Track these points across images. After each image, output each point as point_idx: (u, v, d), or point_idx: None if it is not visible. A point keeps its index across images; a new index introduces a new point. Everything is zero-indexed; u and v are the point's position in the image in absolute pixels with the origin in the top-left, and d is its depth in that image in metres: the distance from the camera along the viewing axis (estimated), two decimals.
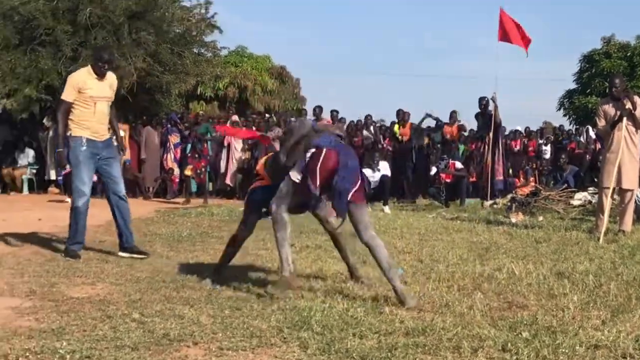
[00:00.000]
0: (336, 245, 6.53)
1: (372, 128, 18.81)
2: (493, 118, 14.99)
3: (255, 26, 75.73)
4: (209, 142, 17.24)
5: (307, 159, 5.67)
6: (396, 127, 17.94)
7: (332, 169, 5.55)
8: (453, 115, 18.21)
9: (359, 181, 5.67)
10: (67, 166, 15.49)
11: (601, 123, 10.20)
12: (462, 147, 19.17)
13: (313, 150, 5.68)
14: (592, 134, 20.83)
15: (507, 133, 20.05)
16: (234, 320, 4.83)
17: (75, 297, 5.57)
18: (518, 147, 20.21)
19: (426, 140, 18.34)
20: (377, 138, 18.54)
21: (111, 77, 8.03)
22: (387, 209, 13.94)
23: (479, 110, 15.74)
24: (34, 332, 4.48)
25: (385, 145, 18.21)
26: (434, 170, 15.84)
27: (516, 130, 21.19)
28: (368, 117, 19.24)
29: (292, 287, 5.57)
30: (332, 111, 18.33)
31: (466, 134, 19.70)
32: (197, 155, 16.00)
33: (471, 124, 18.34)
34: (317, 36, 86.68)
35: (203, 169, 16.15)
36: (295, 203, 5.85)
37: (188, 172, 16.24)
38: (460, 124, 18.47)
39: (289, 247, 5.76)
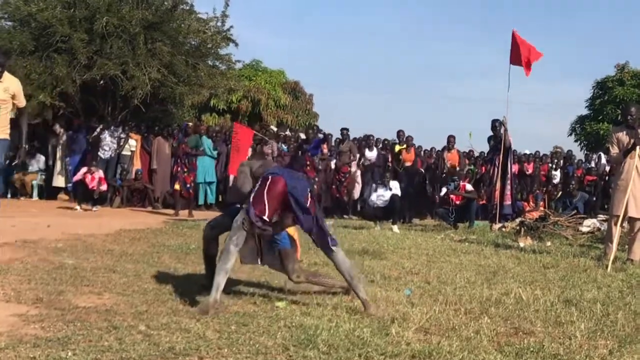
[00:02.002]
0: None
1: (375, 149, 18.78)
2: (503, 141, 14.96)
3: (271, 40, 75.94)
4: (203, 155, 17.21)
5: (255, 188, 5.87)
6: (397, 147, 17.92)
7: (281, 193, 5.73)
8: (451, 140, 18.26)
9: (310, 202, 5.81)
10: (79, 173, 15.62)
11: (614, 150, 10.18)
12: (472, 169, 19.15)
13: (260, 179, 5.89)
14: (604, 160, 20.78)
15: (519, 155, 20.05)
16: (240, 336, 4.82)
17: (82, 306, 5.56)
18: (531, 171, 20.15)
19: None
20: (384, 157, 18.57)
21: (9, 81, 8.21)
22: (395, 228, 13.92)
23: (492, 134, 15.72)
24: (40, 341, 4.47)
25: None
26: (443, 191, 15.82)
27: (529, 154, 21.18)
28: (371, 137, 19.15)
29: (208, 313, 5.52)
30: (342, 129, 18.37)
31: (477, 154, 19.72)
32: (186, 170, 15.78)
33: (484, 147, 18.32)
34: (331, 53, 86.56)
35: (192, 183, 15.96)
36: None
37: (177, 186, 16.01)
38: (461, 151, 18.48)
39: (225, 278, 5.76)
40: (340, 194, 17.64)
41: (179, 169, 15.87)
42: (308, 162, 15.69)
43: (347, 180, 17.66)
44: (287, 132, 21.36)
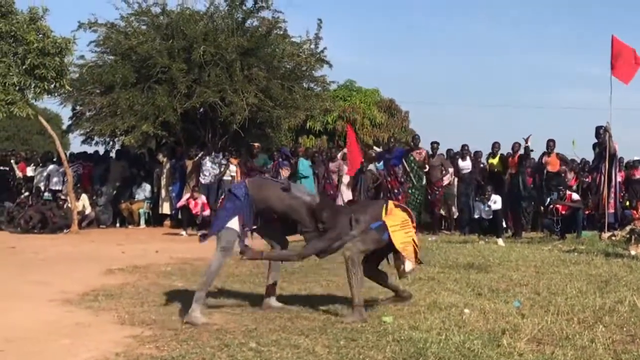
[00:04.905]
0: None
1: (468, 159, 18.38)
2: (607, 148, 14.54)
3: (364, 60, 76.05)
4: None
5: None
6: (491, 160, 17.54)
7: None
8: (550, 144, 17.69)
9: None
10: (183, 199, 15.99)
11: None
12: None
13: None
14: None
15: (627, 162, 19.41)
16: (350, 351, 4.82)
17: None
18: (638, 176, 19.42)
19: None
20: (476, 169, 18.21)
21: None
22: (500, 241, 13.68)
23: (597, 141, 15.29)
24: None
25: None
26: (547, 201, 15.45)
27: (638, 159, 20.44)
28: (465, 147, 18.68)
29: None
30: (432, 143, 18.11)
31: (579, 162, 19.18)
32: None
33: (588, 155, 17.84)
34: (425, 68, 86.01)
35: None
36: None
37: None
38: (561, 155, 17.93)
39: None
40: (434, 208, 17.37)
41: None
42: (391, 173, 15.77)
43: (440, 193, 17.40)
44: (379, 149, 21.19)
